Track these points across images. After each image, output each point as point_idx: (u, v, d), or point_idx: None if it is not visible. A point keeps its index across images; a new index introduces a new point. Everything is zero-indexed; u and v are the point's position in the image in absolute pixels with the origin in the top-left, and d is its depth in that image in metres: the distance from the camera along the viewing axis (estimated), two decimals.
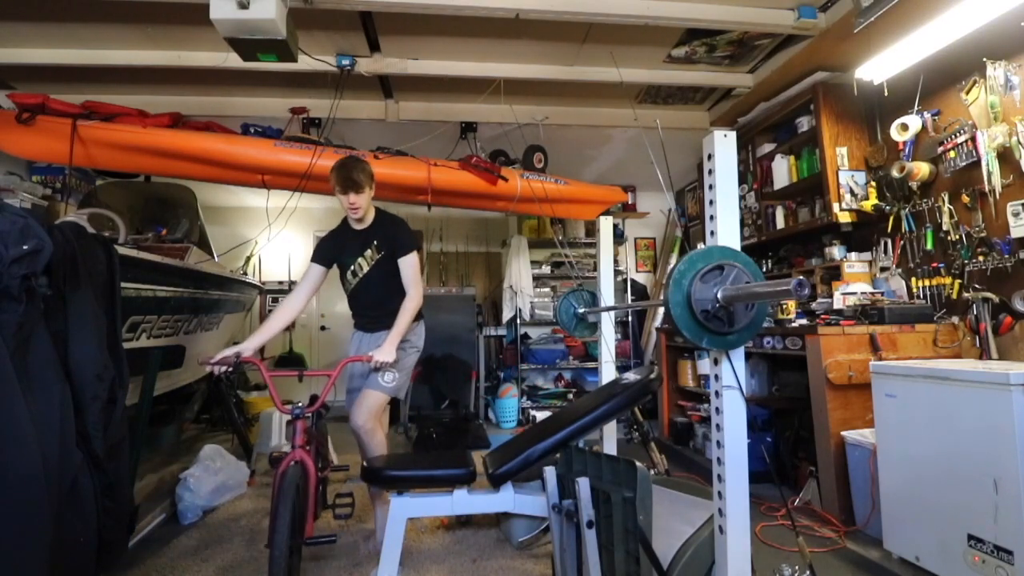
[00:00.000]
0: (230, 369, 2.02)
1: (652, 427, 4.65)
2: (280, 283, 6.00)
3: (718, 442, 1.33)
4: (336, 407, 5.75)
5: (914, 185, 2.94)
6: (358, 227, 2.41)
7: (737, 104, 3.92)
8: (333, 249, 2.43)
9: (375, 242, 2.37)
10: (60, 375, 1.44)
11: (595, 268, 3.16)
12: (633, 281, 5.78)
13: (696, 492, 1.82)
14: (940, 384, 1.94)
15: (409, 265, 2.34)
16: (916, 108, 2.93)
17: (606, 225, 3.10)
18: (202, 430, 4.64)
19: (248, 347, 2.09)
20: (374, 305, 2.42)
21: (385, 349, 2.16)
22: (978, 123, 2.61)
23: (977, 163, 2.58)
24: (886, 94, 2.98)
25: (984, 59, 2.55)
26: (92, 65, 3.23)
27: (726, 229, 1.33)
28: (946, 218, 2.77)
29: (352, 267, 2.41)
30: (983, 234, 2.61)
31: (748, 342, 1.30)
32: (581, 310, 3.05)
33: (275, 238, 4.05)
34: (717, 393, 1.33)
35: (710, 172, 1.36)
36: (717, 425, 1.33)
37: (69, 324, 1.51)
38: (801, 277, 1.03)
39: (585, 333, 3.16)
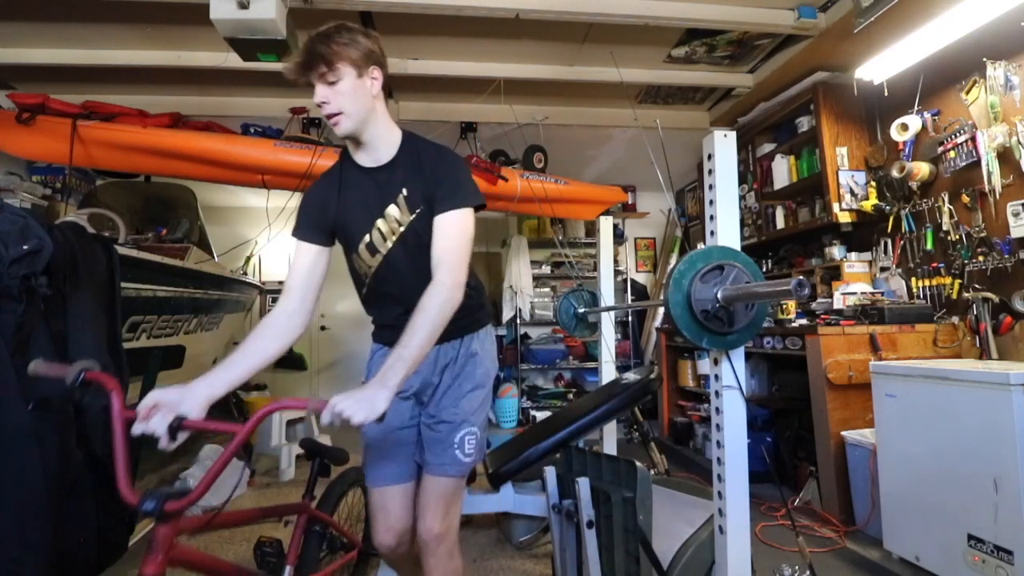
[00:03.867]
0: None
1: (652, 427, 4.65)
2: (280, 283, 5.97)
3: (718, 442, 1.33)
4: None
5: (914, 185, 2.94)
6: (366, 161, 1.35)
7: (737, 104, 3.92)
8: (325, 207, 1.36)
9: (404, 190, 1.31)
10: None
11: (595, 268, 3.16)
12: (633, 281, 5.77)
13: (696, 492, 1.82)
14: (940, 384, 1.94)
15: (452, 224, 1.26)
16: (916, 108, 2.93)
17: (606, 225, 3.09)
18: None
19: (195, 403, 1.09)
20: (403, 297, 1.30)
21: (370, 388, 1.00)
22: (978, 123, 2.61)
23: (977, 163, 2.58)
24: (886, 94, 2.98)
25: (984, 59, 2.54)
26: (92, 65, 3.23)
27: (726, 229, 1.34)
28: (946, 218, 2.77)
29: (366, 238, 1.34)
30: (983, 234, 2.61)
31: (748, 342, 1.30)
32: (581, 310, 3.05)
33: (275, 238, 4.05)
34: (717, 393, 1.33)
35: (710, 172, 1.36)
36: (717, 425, 1.33)
37: (69, 324, 1.51)
38: (801, 277, 1.03)
39: (585, 333, 3.16)
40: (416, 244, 1.31)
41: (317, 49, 1.21)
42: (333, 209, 1.35)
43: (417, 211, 1.31)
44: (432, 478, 1.33)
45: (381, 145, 1.33)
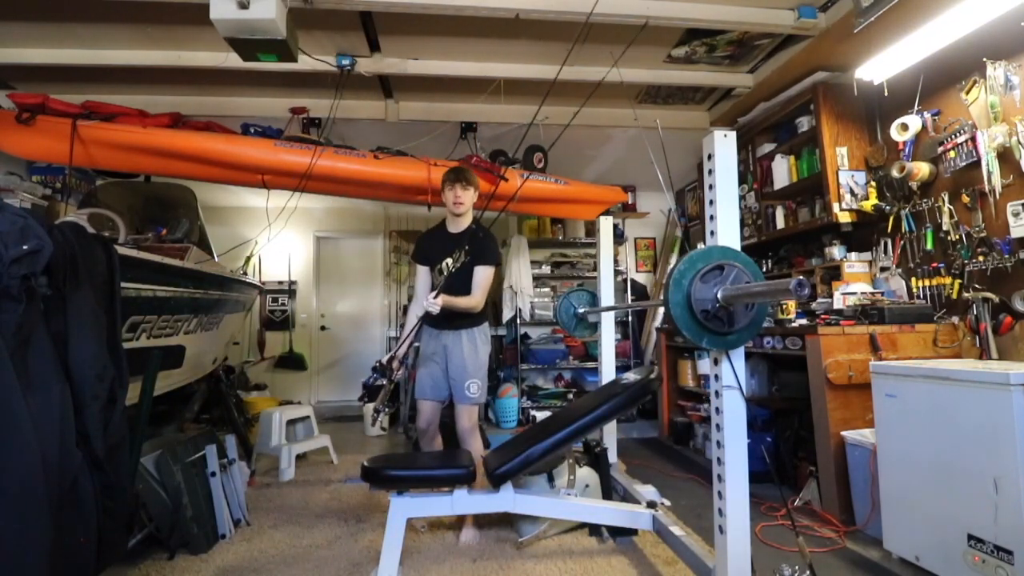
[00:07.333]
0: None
1: (652, 427, 4.65)
2: (280, 283, 5.99)
3: (718, 442, 1.33)
4: (333, 406, 5.76)
5: (914, 185, 2.94)
6: (452, 228, 2.59)
7: (737, 104, 3.92)
8: (428, 246, 2.61)
9: (467, 246, 2.40)
10: (60, 375, 1.44)
11: (595, 268, 3.16)
12: (633, 281, 5.78)
13: None
14: (940, 384, 1.94)
15: (480, 272, 2.49)
16: (916, 108, 2.93)
17: (606, 225, 3.10)
18: (202, 430, 4.63)
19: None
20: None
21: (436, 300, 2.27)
22: (978, 123, 2.61)
23: (977, 163, 2.58)
24: (886, 94, 2.98)
25: (984, 59, 2.54)
26: (92, 65, 3.23)
27: (726, 229, 1.34)
28: (946, 218, 2.77)
29: (439, 266, 2.52)
30: (983, 234, 2.61)
31: (748, 342, 1.30)
32: (581, 310, 3.05)
33: (275, 238, 4.06)
34: (717, 393, 1.33)
35: (710, 172, 1.36)
36: (717, 425, 1.33)
37: (69, 324, 1.51)
38: (801, 277, 1.03)
39: (585, 333, 3.17)
40: (460, 275, 2.41)
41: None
42: (427, 247, 2.60)
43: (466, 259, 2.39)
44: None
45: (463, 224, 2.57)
